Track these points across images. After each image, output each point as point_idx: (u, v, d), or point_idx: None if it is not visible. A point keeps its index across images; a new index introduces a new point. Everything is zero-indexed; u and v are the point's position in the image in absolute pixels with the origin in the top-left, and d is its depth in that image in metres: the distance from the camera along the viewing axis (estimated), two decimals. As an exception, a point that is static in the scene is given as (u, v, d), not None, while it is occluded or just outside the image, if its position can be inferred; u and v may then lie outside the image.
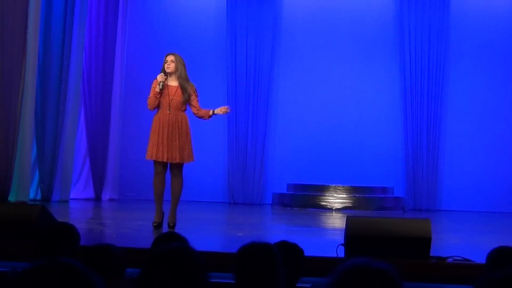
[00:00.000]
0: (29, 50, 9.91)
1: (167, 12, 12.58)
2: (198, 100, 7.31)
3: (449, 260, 5.08)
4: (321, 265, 4.75)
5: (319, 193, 11.32)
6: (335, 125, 12.20)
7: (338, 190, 11.33)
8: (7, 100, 9.60)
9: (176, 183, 7.23)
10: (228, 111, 7.46)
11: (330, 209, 11.05)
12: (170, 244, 2.21)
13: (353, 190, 11.38)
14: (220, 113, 7.39)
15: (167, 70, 7.20)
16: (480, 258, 4.77)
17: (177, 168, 7.21)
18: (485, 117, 12.05)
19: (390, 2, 12.33)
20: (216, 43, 12.45)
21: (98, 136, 11.65)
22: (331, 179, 11.69)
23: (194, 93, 7.27)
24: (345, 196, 11.25)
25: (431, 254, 5.06)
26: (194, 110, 7.31)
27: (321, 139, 12.20)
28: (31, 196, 10.45)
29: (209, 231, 7.88)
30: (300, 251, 3.69)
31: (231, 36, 12.29)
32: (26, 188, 10.03)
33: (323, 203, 11.19)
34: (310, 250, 4.22)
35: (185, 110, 7.28)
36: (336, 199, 11.21)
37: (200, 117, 7.37)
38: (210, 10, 12.55)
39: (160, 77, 7.16)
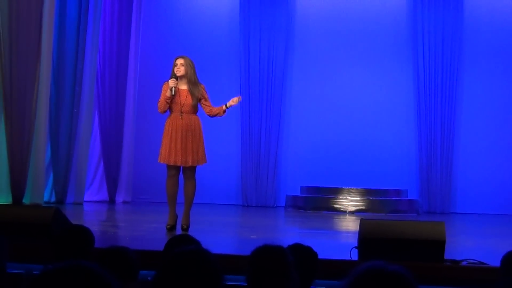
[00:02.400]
0: (43, 52, 9.96)
1: (180, 15, 12.60)
2: (209, 100, 7.31)
3: (464, 263, 5.06)
4: (335, 268, 4.74)
5: (332, 196, 11.30)
6: (348, 127, 12.18)
7: (351, 193, 11.31)
8: (22, 103, 9.65)
9: (190, 186, 7.23)
10: (240, 99, 7.36)
11: (344, 212, 11.03)
12: (185, 246, 2.22)
13: (366, 193, 11.35)
14: (233, 104, 7.30)
15: (177, 74, 7.19)
16: (494, 261, 4.74)
17: (190, 170, 7.21)
18: (499, 119, 11.99)
19: (403, 4, 12.30)
20: (229, 45, 12.47)
21: (112, 139, 11.68)
22: (345, 182, 11.67)
23: (204, 94, 7.27)
24: (358, 198, 11.23)
25: (445, 257, 5.04)
26: (207, 110, 7.30)
27: (334, 141, 12.19)
28: (46, 198, 10.49)
29: (222, 234, 7.88)
30: (314, 254, 3.69)
31: (244, 38, 12.30)
32: (40, 191, 10.07)
33: (337, 206, 11.17)
34: (323, 253, 4.21)
35: (197, 112, 7.28)
36: (350, 201, 11.19)
37: (214, 115, 7.34)
38: (223, 12, 12.57)
39: (172, 82, 7.15)
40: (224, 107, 7.29)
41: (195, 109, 7.23)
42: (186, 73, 7.20)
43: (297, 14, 12.49)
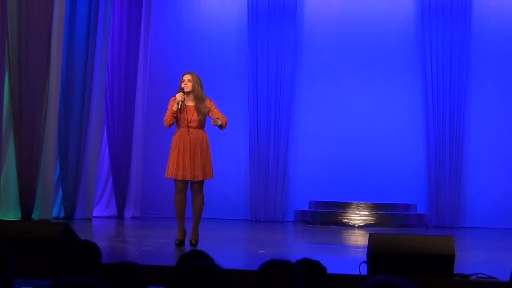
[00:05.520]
0: (52, 68, 10.01)
1: (189, 31, 12.65)
2: (218, 110, 7.27)
3: (473, 277, 5.03)
4: (344, 283, 4.73)
5: (341, 210, 11.28)
6: (356, 142, 12.17)
7: (360, 207, 11.29)
8: (31, 119, 9.69)
9: (198, 201, 7.23)
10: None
11: (353, 227, 11.00)
12: (197, 262, 2.22)
13: (375, 207, 11.33)
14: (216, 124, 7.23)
15: (185, 90, 7.22)
16: (504, 275, 4.72)
17: (198, 185, 7.22)
18: (508, 132, 11.96)
19: (411, 19, 12.32)
20: (237, 60, 12.50)
21: (120, 154, 11.70)
22: (353, 196, 11.65)
23: (212, 106, 7.27)
24: (367, 213, 11.20)
25: (455, 272, 5.02)
26: (213, 118, 7.29)
27: (342, 156, 12.18)
28: (54, 214, 10.51)
29: (231, 249, 7.87)
30: (323, 268, 3.68)
31: (252, 53, 12.33)
32: (49, 206, 10.09)
33: (345, 220, 11.14)
34: (332, 267, 4.20)
35: (204, 127, 7.29)
36: (358, 216, 11.16)
37: (219, 125, 7.28)
38: (231, 28, 12.61)
39: (179, 96, 7.17)
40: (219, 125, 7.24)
41: (202, 124, 7.25)
42: (194, 89, 7.22)
43: (305, 29, 12.51)
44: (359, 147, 12.16)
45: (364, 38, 12.31)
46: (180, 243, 7.15)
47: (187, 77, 7.26)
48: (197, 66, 12.00)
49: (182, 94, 7.19)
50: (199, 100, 7.22)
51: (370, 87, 12.26)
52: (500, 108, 12.03)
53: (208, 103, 7.27)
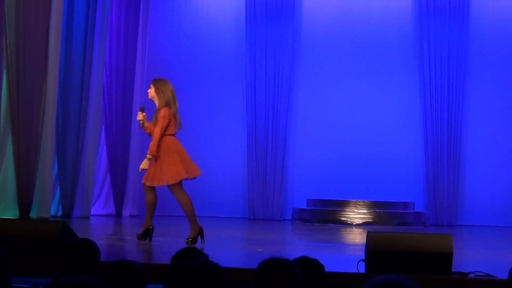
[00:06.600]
0: (50, 66, 10.00)
1: (187, 30, 12.65)
2: (160, 124, 7.20)
3: (471, 275, 5.04)
4: (342, 281, 4.73)
5: (339, 209, 11.28)
6: (354, 140, 12.17)
7: (358, 206, 11.30)
8: (28, 117, 9.68)
9: (179, 203, 7.33)
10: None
11: (351, 225, 11.01)
12: (195, 259, 2.21)
13: (373, 205, 11.33)
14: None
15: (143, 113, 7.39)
16: (502, 273, 4.72)
17: (170, 189, 7.33)
18: (506, 130, 11.97)
19: (409, 17, 12.32)
20: (235, 59, 12.50)
21: (118, 153, 11.70)
22: (351, 194, 11.66)
23: (159, 118, 7.23)
24: (365, 211, 11.21)
25: (453, 270, 5.02)
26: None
27: (341, 154, 12.18)
28: (52, 212, 10.50)
29: (229, 247, 7.87)
30: (321, 266, 3.68)
31: (250, 51, 12.33)
32: (47, 205, 10.08)
33: (344, 219, 11.15)
34: (330, 265, 4.20)
35: (168, 133, 7.30)
36: (357, 214, 11.17)
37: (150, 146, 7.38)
38: (230, 26, 12.60)
39: (138, 116, 7.37)
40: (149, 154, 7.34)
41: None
42: (153, 98, 7.36)
43: (303, 28, 12.51)
44: (357, 145, 12.17)
45: (362, 37, 12.31)
46: (138, 237, 7.29)
47: (149, 90, 7.38)
48: (195, 64, 12.01)
49: (140, 113, 7.33)
50: (160, 106, 7.30)
51: (368, 86, 12.26)
52: (498, 106, 12.04)
53: (161, 112, 7.21)
